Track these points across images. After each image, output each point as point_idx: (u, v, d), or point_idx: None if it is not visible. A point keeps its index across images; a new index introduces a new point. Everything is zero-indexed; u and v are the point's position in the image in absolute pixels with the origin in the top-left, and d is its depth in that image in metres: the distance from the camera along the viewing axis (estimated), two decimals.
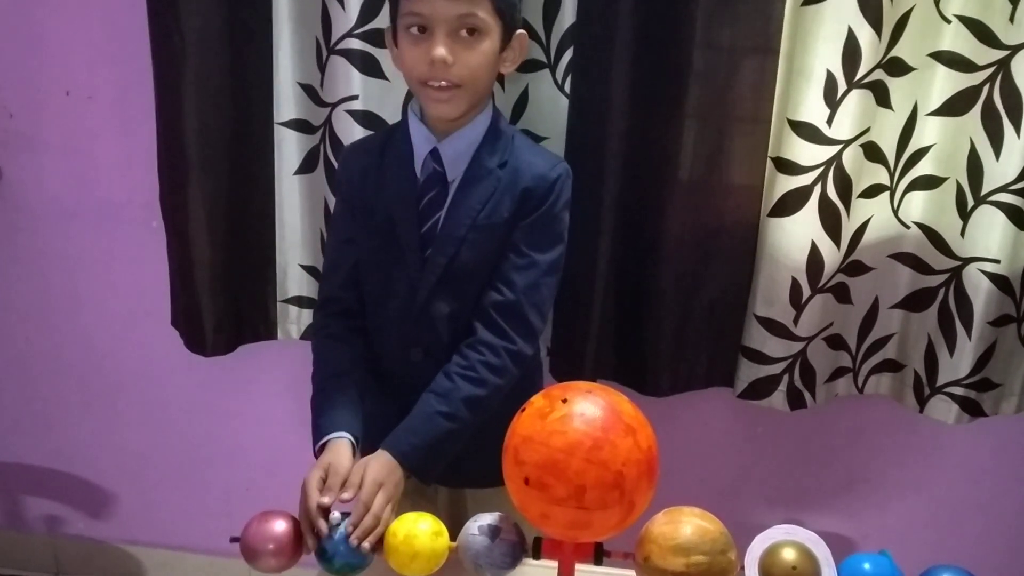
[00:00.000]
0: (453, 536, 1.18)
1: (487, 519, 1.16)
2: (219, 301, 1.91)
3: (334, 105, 1.75)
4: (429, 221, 1.44)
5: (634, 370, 1.88)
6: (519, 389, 1.36)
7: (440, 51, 1.32)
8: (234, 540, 1.21)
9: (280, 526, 1.21)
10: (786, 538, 1.10)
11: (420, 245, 1.44)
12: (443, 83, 1.35)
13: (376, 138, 1.59)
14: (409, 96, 1.70)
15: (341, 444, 1.36)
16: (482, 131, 1.44)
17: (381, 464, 1.32)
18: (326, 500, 1.24)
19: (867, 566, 1.09)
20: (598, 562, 1.13)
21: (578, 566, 1.14)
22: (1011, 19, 1.57)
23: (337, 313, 1.54)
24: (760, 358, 1.81)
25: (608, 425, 1.00)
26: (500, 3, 1.34)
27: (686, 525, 1.08)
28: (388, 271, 1.48)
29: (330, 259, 1.59)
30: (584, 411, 1.01)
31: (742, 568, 1.09)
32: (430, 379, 1.43)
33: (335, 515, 1.21)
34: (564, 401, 1.02)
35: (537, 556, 1.14)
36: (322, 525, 1.21)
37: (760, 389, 1.84)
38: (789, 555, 1.07)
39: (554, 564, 1.14)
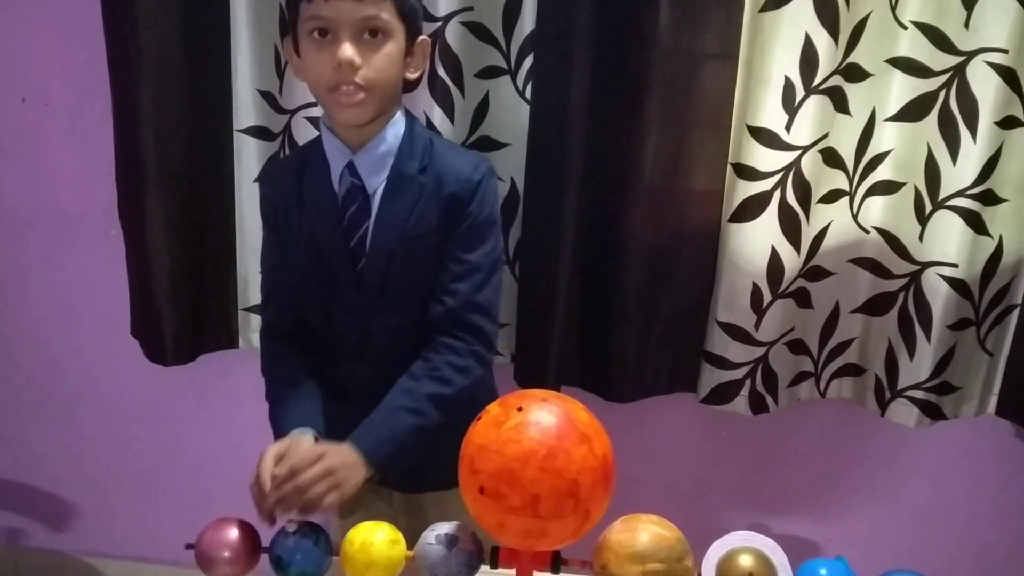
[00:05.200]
0: (412, 544, 1.17)
1: (444, 528, 1.15)
2: (179, 310, 1.89)
3: (293, 112, 1.75)
4: (356, 235, 1.41)
5: (598, 376, 1.88)
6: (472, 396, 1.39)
7: (347, 52, 1.28)
8: (189, 547, 1.19)
9: (235, 533, 1.19)
10: (743, 544, 1.09)
11: (350, 261, 1.41)
12: (351, 87, 1.31)
13: (293, 159, 1.54)
14: None
15: (305, 434, 1.36)
16: (397, 139, 1.40)
17: (342, 455, 1.31)
18: (279, 470, 1.26)
19: (823, 572, 1.08)
20: (555, 570, 1.12)
21: (536, 574, 1.14)
22: (966, 25, 1.58)
23: (278, 338, 1.54)
24: (722, 363, 1.82)
25: (563, 433, 0.99)
26: (403, 7, 1.32)
27: (643, 532, 1.07)
28: (324, 291, 1.45)
29: (264, 288, 1.57)
30: (539, 420, 1.00)
31: (699, 575, 1.09)
32: (375, 393, 1.41)
33: (291, 523, 1.19)
34: (519, 410, 1.01)
35: (494, 565, 1.13)
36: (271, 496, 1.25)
37: (722, 394, 1.84)
38: (746, 561, 1.07)
39: (511, 573, 1.14)
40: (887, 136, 1.70)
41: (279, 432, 1.40)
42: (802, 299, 1.79)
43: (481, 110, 1.74)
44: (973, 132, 1.63)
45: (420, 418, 1.38)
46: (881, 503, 2.06)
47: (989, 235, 1.71)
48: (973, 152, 1.64)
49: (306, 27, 1.31)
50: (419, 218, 1.39)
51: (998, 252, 1.73)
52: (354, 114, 1.35)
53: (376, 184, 1.40)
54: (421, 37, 1.39)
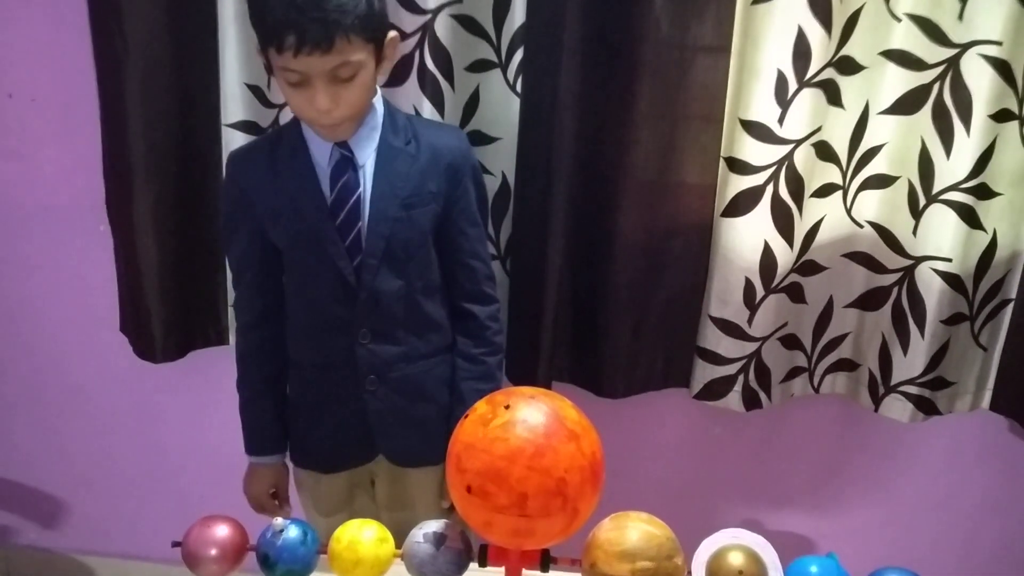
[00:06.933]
0: (396, 541, 1.16)
1: (432, 526, 1.14)
2: (168, 306, 1.88)
3: (282, 106, 1.74)
4: (348, 203, 1.45)
5: (590, 372, 1.87)
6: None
7: (323, 104, 1.33)
8: (176, 545, 1.18)
9: (223, 530, 1.17)
10: (733, 542, 1.08)
11: (339, 231, 1.45)
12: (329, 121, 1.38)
13: (261, 142, 1.57)
14: None
15: (282, 467, 1.69)
16: (380, 116, 1.47)
17: None
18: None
19: (814, 569, 1.07)
20: (545, 569, 1.11)
21: (525, 573, 1.13)
22: (960, 17, 1.57)
23: (253, 329, 1.63)
24: (715, 359, 1.81)
25: (550, 431, 0.98)
26: (369, 33, 1.32)
27: (632, 530, 1.06)
28: (312, 265, 1.48)
29: (236, 286, 1.63)
30: (526, 417, 0.99)
31: (689, 573, 1.08)
32: (378, 360, 1.52)
33: (279, 521, 1.18)
34: (506, 407, 1.00)
35: (483, 564, 1.12)
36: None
37: (715, 390, 1.84)
38: (736, 559, 1.06)
39: (501, 571, 1.13)
40: (880, 129, 1.68)
41: (253, 438, 1.69)
42: (795, 294, 1.78)
43: (472, 104, 1.72)
44: (967, 125, 1.62)
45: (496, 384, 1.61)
46: (875, 499, 2.05)
47: (983, 229, 1.70)
48: (967, 145, 1.63)
49: (279, 73, 1.34)
50: (416, 185, 1.47)
51: (992, 246, 1.72)
52: (336, 136, 1.44)
53: (365, 157, 1.46)
54: (390, 35, 1.40)
